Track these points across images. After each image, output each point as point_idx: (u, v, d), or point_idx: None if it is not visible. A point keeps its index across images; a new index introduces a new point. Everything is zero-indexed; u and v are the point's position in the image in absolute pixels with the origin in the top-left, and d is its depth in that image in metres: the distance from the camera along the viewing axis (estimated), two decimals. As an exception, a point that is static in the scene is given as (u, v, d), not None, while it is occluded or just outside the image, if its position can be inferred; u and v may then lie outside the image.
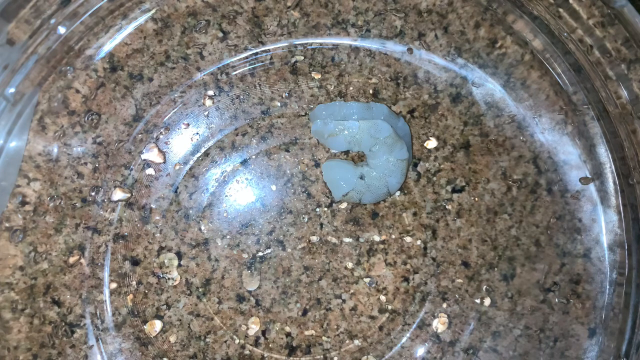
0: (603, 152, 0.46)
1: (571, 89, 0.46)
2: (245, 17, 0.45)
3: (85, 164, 0.44)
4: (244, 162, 0.46)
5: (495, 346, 0.46)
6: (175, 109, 0.45)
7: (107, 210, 0.45)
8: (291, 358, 0.46)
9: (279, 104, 0.46)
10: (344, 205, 0.46)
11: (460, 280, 0.46)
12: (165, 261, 0.45)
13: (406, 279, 0.46)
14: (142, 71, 0.45)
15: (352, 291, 0.46)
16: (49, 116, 0.44)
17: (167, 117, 0.45)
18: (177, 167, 0.45)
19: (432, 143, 0.46)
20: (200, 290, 0.45)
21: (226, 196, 0.46)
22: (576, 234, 0.46)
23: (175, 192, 0.45)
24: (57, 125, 0.44)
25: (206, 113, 0.46)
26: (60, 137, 0.44)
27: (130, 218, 0.45)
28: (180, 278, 0.45)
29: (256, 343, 0.46)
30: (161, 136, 0.45)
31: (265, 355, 0.46)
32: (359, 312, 0.46)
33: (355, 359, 0.46)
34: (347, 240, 0.46)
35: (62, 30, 0.43)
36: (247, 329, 0.46)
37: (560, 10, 0.43)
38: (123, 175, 0.45)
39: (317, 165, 0.46)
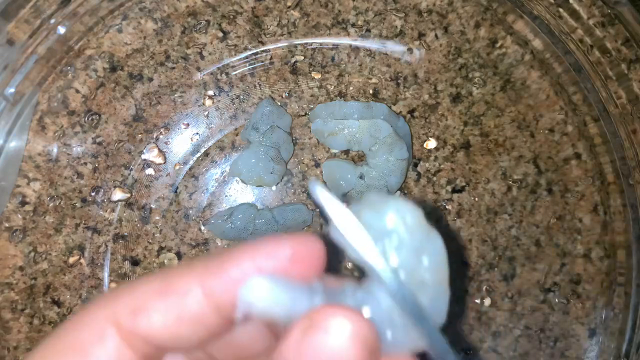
0: (603, 152, 0.46)
1: (571, 89, 0.46)
2: (245, 17, 0.45)
3: (85, 164, 0.44)
4: (244, 162, 0.46)
5: (495, 346, 0.46)
6: (175, 109, 0.45)
7: (107, 211, 0.45)
8: (291, 358, 0.46)
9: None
10: (344, 205, 0.46)
11: (460, 281, 0.46)
12: (165, 261, 0.45)
13: (406, 279, 0.46)
14: (142, 71, 0.45)
15: (352, 291, 0.46)
16: (49, 116, 0.44)
17: (167, 117, 0.45)
18: (177, 167, 0.45)
19: (432, 143, 0.46)
20: (200, 290, 0.45)
21: (226, 196, 0.46)
22: (576, 234, 0.46)
23: (175, 192, 0.45)
24: (57, 125, 0.44)
25: (206, 113, 0.46)
26: (60, 137, 0.44)
27: (130, 218, 0.45)
28: (180, 278, 0.45)
29: (256, 343, 0.46)
30: (161, 136, 0.45)
31: (265, 355, 0.46)
32: (359, 312, 0.46)
33: (355, 359, 0.46)
34: (347, 240, 0.46)
35: (62, 30, 0.43)
36: (247, 329, 0.45)
37: (560, 10, 0.43)
38: (123, 175, 0.45)
39: (317, 165, 0.46)
